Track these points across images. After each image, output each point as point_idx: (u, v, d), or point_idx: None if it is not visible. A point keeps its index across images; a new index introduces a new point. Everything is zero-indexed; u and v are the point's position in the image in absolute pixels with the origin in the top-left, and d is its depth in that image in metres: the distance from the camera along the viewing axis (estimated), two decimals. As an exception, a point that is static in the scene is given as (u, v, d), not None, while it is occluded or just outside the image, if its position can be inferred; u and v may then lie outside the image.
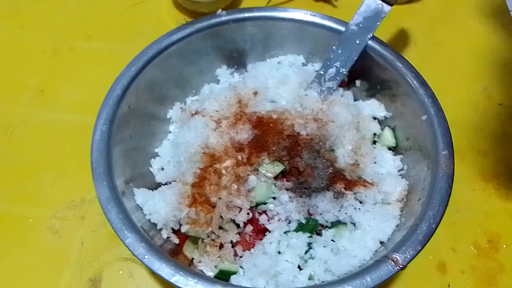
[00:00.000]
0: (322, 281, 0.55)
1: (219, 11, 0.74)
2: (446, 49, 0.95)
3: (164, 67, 0.71)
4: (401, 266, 0.50)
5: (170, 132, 0.75)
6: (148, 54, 0.69)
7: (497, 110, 0.86)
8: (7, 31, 0.96)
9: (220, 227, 0.61)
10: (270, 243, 0.58)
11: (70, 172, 0.77)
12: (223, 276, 0.58)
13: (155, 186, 0.67)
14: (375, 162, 0.68)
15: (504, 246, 0.71)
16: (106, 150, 0.60)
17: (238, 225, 0.61)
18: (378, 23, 0.69)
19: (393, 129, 0.72)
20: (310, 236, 0.58)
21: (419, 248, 0.52)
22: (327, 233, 0.59)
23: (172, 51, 0.71)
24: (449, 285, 0.69)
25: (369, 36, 0.70)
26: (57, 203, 0.73)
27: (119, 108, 0.64)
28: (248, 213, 0.61)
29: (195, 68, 0.77)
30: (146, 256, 0.51)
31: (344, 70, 0.71)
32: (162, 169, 0.70)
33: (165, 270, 0.50)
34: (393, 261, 0.51)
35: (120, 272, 0.67)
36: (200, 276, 0.50)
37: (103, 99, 0.65)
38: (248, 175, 0.62)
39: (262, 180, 0.62)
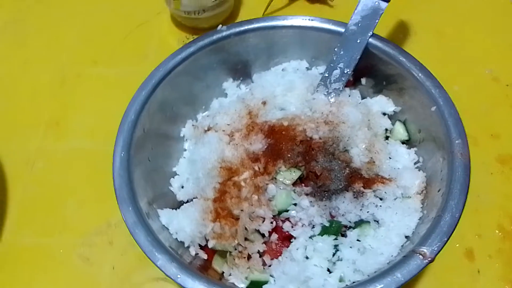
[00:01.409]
0: (353, 282, 0.55)
1: (220, 26, 0.75)
2: (448, 37, 0.95)
3: (172, 87, 0.73)
4: (429, 259, 0.51)
5: (185, 150, 0.76)
6: (156, 76, 0.70)
7: (505, 92, 0.86)
8: (14, 65, 0.98)
9: (246, 239, 0.62)
10: (297, 249, 0.59)
11: (92, 198, 0.78)
12: (255, 287, 0.59)
13: (177, 204, 0.69)
14: (390, 158, 0.68)
15: (529, 225, 0.72)
16: (127, 175, 0.61)
17: (263, 235, 0.62)
18: (377, 21, 0.70)
19: (404, 123, 0.72)
20: (336, 238, 0.59)
21: (445, 239, 0.52)
22: (352, 234, 0.60)
23: (178, 71, 0.72)
24: (478, 271, 0.69)
25: (369, 35, 0.70)
26: (84, 230, 0.75)
27: (134, 133, 0.65)
28: (271, 222, 0.62)
29: (202, 84, 0.78)
30: (178, 276, 0.52)
31: (348, 70, 0.71)
32: (182, 187, 0.71)
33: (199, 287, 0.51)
34: (421, 255, 0.51)
35: (152, 292, 0.69)
36: (233, 289, 0.51)
37: (114, 123, 0.66)
38: (267, 184, 0.63)
39: (281, 188, 0.63)
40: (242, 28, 0.75)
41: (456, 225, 0.54)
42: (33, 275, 0.72)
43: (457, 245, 0.71)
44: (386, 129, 0.72)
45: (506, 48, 0.91)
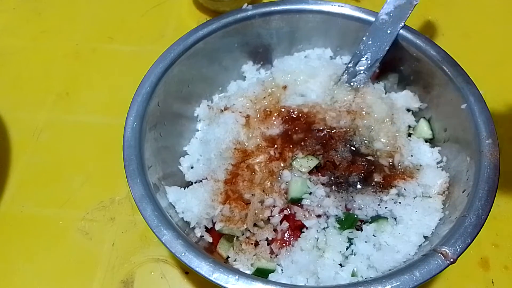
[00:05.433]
0: (366, 278, 0.52)
1: (245, 5, 0.72)
2: (475, 40, 0.93)
3: (190, 64, 0.70)
4: (451, 259, 0.48)
5: (197, 130, 0.73)
6: (175, 50, 0.68)
7: (533, 99, 0.83)
8: (29, 36, 0.96)
9: (255, 224, 0.59)
10: (309, 239, 0.56)
11: (97, 173, 0.76)
12: (261, 274, 0.56)
13: (185, 185, 0.66)
14: (412, 155, 0.65)
15: (548, 239, 0.68)
16: (138, 147, 0.59)
17: (273, 222, 0.59)
18: (410, 11, 0.67)
19: (429, 120, 0.69)
20: (350, 232, 0.56)
21: (469, 240, 0.49)
22: (368, 228, 0.57)
23: (198, 48, 0.70)
24: (493, 282, 0.65)
25: (400, 25, 0.67)
26: (86, 204, 0.72)
27: (148, 105, 0.63)
28: (283, 209, 0.59)
29: (220, 65, 0.76)
30: (183, 254, 0.49)
31: (375, 61, 0.68)
32: (192, 167, 0.68)
33: (204, 268, 0.48)
34: (443, 255, 0.48)
35: (152, 273, 0.66)
36: (241, 273, 0.48)
37: (126, 100, 0.64)
38: (282, 170, 0.61)
39: (296, 175, 0.60)
40: (268, 9, 0.72)
41: (482, 227, 0.51)
42: (30, 245, 0.69)
43: (472, 252, 0.67)
44: (409, 126, 0.69)
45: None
